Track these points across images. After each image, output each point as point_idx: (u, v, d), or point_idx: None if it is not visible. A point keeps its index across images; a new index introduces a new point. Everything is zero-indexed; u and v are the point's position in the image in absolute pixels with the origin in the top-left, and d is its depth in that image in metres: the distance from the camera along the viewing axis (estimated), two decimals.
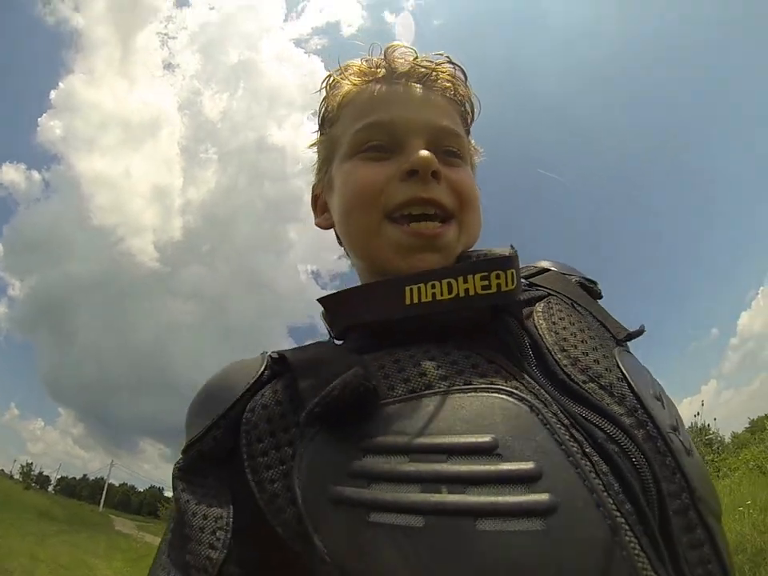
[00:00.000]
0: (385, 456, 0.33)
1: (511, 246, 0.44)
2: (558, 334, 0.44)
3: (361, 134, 0.51)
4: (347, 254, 0.59)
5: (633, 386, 0.40)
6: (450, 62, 0.56)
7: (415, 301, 0.42)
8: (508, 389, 0.36)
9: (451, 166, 0.51)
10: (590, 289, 0.57)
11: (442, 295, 0.41)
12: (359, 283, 0.56)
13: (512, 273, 0.42)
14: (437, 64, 0.55)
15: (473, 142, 0.60)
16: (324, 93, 0.59)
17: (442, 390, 0.36)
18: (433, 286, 0.42)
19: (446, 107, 0.54)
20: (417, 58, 0.54)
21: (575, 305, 0.50)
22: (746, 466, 7.50)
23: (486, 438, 0.32)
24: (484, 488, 0.30)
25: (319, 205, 0.61)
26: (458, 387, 0.36)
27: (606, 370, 0.41)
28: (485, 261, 0.43)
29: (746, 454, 8.13)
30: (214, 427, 0.41)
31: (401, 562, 0.29)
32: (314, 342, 0.52)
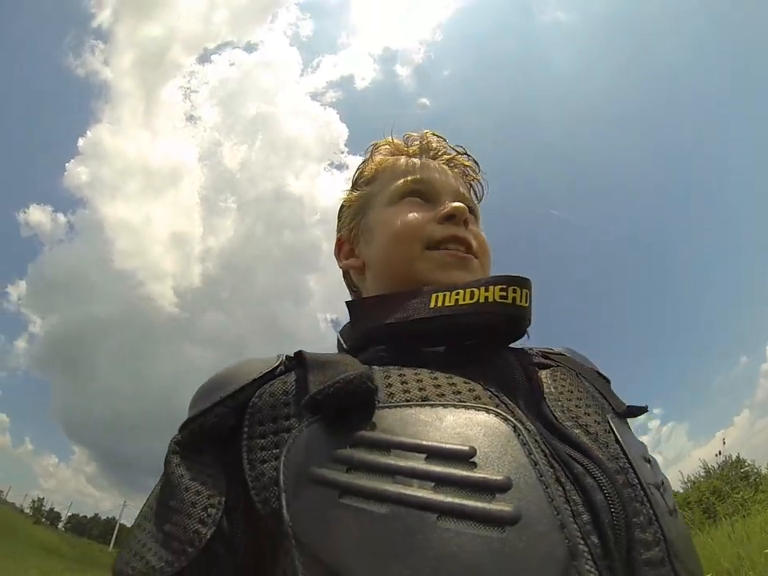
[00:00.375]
0: (369, 449, 0.35)
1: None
2: (556, 389, 0.46)
3: (404, 186, 0.63)
4: (353, 287, 0.69)
5: (619, 439, 0.41)
6: (467, 153, 0.71)
7: (439, 305, 0.48)
8: (496, 409, 0.38)
9: (472, 224, 0.62)
10: (601, 375, 0.59)
11: (464, 300, 0.47)
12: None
13: (527, 292, 0.48)
14: (459, 153, 0.70)
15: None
16: (364, 158, 0.72)
17: (436, 403, 0.38)
18: (457, 294, 0.48)
19: (465, 186, 0.67)
20: (444, 142, 0.69)
21: (580, 376, 0.52)
22: None
23: (465, 447, 0.34)
24: (453, 489, 0.31)
25: (343, 251, 0.69)
26: (452, 403, 0.38)
27: (596, 423, 0.43)
28: (505, 276, 0.48)
29: None
30: (220, 404, 0.43)
31: (359, 542, 0.30)
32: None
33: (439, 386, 0.41)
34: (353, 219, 0.68)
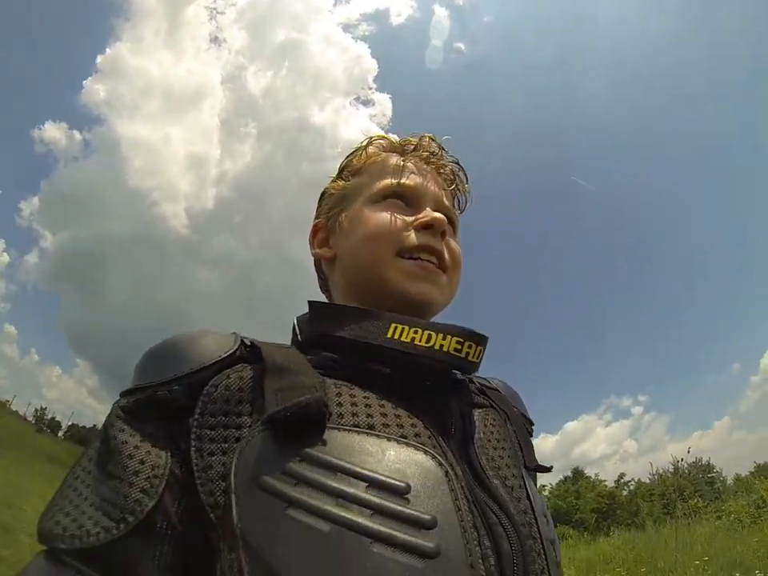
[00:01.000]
0: (317, 467, 0.37)
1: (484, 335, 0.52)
2: (485, 434, 0.51)
3: (389, 187, 0.62)
4: (324, 286, 0.69)
5: (530, 495, 0.48)
6: (458, 163, 0.69)
7: (395, 337, 0.49)
8: (432, 452, 0.42)
9: (450, 235, 0.62)
10: (527, 421, 0.65)
11: (419, 341, 0.48)
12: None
13: (480, 350, 0.50)
14: (452, 161, 0.68)
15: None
16: (355, 148, 0.70)
17: (381, 434, 0.42)
18: (415, 332, 0.48)
19: (449, 194, 0.66)
20: (438, 147, 0.67)
21: (507, 421, 0.57)
22: (727, 517, 7.39)
23: (402, 483, 0.38)
24: (387, 520, 0.35)
25: (318, 238, 0.68)
26: (395, 437, 0.42)
27: (513, 476, 0.48)
28: (464, 329, 0.49)
29: (732, 505, 7.99)
30: (175, 381, 0.43)
31: (303, 553, 0.34)
32: (279, 343, 0.54)
33: (385, 415, 0.44)
34: (332, 208, 0.67)
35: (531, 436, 0.64)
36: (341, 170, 0.70)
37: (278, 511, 0.35)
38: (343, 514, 0.35)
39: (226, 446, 0.40)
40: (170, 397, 0.43)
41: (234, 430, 0.41)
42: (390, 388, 0.48)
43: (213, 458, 0.40)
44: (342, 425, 0.41)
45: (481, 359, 0.51)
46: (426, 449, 0.42)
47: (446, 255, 0.59)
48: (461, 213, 0.70)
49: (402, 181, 0.62)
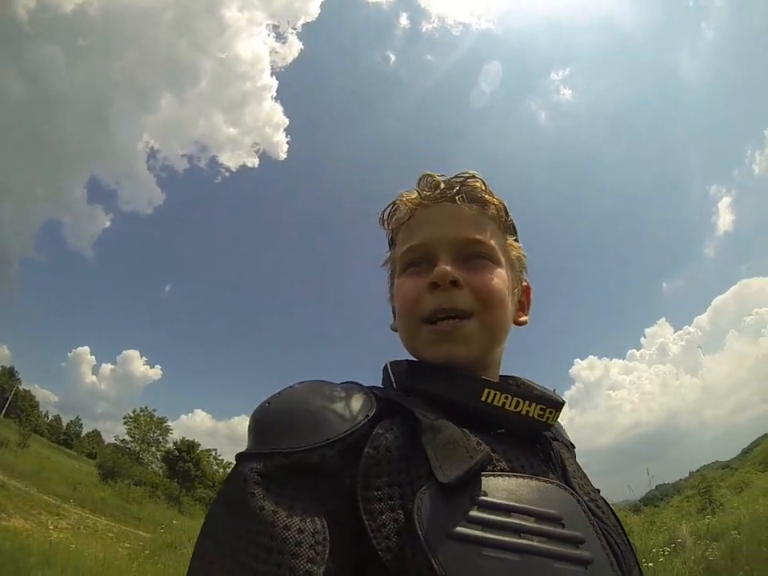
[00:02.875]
0: (492, 511, 0.43)
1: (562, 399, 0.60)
2: (571, 467, 0.60)
3: (404, 255, 0.67)
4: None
5: (615, 513, 0.58)
6: (474, 176, 0.68)
7: (489, 401, 0.55)
8: (562, 484, 0.51)
9: (476, 270, 0.62)
10: (572, 445, 0.73)
11: (509, 406, 0.55)
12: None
13: (557, 414, 0.57)
14: (462, 179, 0.67)
15: (514, 239, 0.71)
16: (385, 222, 0.74)
17: (524, 475, 0.49)
18: (506, 398, 0.55)
19: (471, 218, 0.65)
20: (445, 180, 0.67)
21: (569, 451, 0.67)
22: None
23: (555, 512, 0.46)
24: (555, 542, 0.43)
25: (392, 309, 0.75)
26: (532, 476, 0.49)
27: (598, 499, 0.59)
28: (548, 398, 0.57)
29: None
30: (328, 446, 0.45)
31: None
32: (379, 386, 0.61)
33: (518, 458, 0.52)
34: (390, 283, 0.74)
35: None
36: (389, 244, 0.75)
37: (475, 553, 0.40)
38: (527, 543, 0.42)
39: (392, 503, 0.44)
40: (322, 462, 0.44)
41: (397, 488, 0.45)
42: (502, 441, 0.54)
43: (383, 517, 0.43)
44: (494, 471, 0.48)
45: (555, 420, 0.58)
46: (554, 481, 0.50)
47: (464, 303, 0.60)
48: (504, 222, 0.69)
49: (414, 243, 0.65)
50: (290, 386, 0.52)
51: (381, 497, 0.44)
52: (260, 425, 0.49)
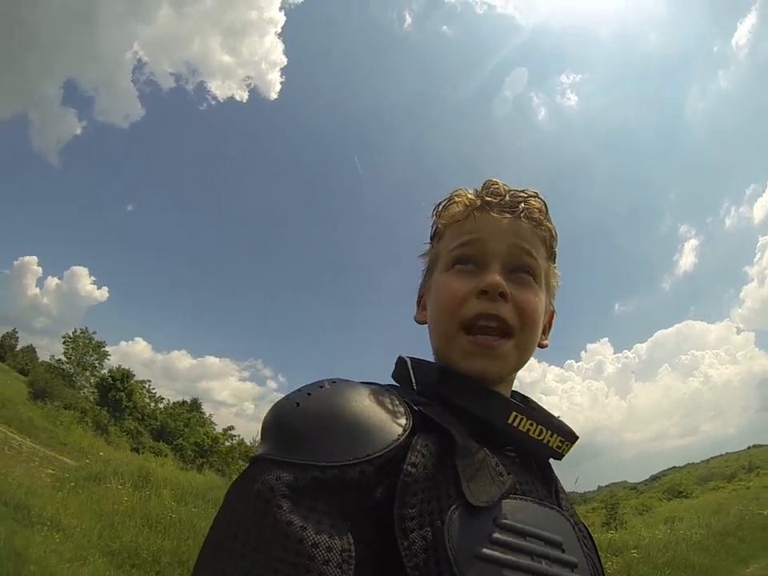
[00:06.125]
0: (511, 533, 0.46)
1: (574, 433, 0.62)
2: (561, 490, 0.63)
3: (454, 252, 0.65)
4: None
5: (593, 539, 0.63)
6: (537, 196, 0.67)
7: (515, 424, 0.56)
8: (560, 509, 0.54)
9: (521, 286, 0.62)
10: None
11: (533, 433, 0.57)
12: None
13: (571, 446, 0.61)
14: (526, 196, 0.67)
15: (554, 266, 0.72)
16: (436, 214, 0.72)
17: (532, 499, 0.52)
18: (531, 424, 0.57)
19: (527, 233, 0.65)
20: (510, 191, 0.67)
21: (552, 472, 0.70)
22: None
23: (559, 537, 0.49)
24: (558, 566, 0.47)
25: (423, 303, 0.73)
26: (538, 501, 0.52)
27: (580, 523, 0.61)
28: (568, 431, 0.60)
29: None
30: (367, 462, 0.43)
31: None
32: (401, 387, 0.61)
33: (527, 482, 0.55)
34: (425, 275, 0.73)
35: None
36: (431, 236, 0.73)
37: (497, 574, 0.43)
38: (537, 566, 0.45)
39: (422, 519, 0.44)
40: (360, 478, 0.43)
41: (426, 505, 0.45)
42: (511, 461, 0.57)
43: (413, 534, 0.43)
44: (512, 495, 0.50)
45: (568, 452, 0.62)
46: (554, 507, 0.54)
47: (509, 316, 0.60)
48: (551, 251, 0.70)
49: (467, 243, 0.64)
50: (319, 385, 0.49)
51: (413, 515, 0.43)
52: (290, 429, 0.45)
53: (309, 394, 0.48)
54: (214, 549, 0.40)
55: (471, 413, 0.56)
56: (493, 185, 0.68)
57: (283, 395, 0.50)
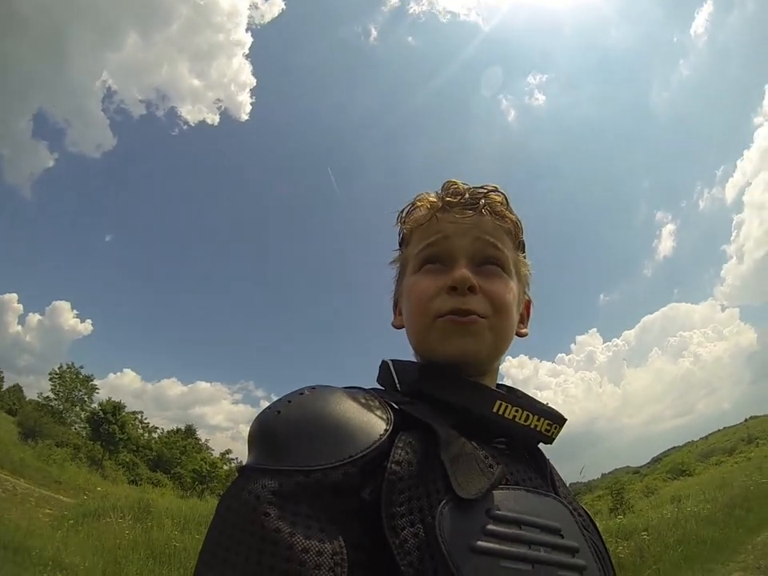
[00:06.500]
0: (505, 524, 0.45)
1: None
2: (557, 478, 0.64)
3: (422, 254, 0.67)
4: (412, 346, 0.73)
5: (596, 524, 0.62)
6: (497, 190, 0.69)
7: (500, 413, 0.57)
8: (557, 497, 0.54)
9: (489, 277, 0.64)
10: None
11: (519, 419, 0.57)
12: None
13: (560, 429, 0.61)
14: (486, 191, 0.68)
15: (523, 255, 0.73)
16: (401, 220, 0.73)
17: (526, 488, 0.52)
18: (516, 410, 0.57)
19: (490, 227, 0.66)
20: (470, 189, 0.68)
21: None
22: None
23: (556, 524, 0.49)
24: (557, 552, 0.47)
25: (398, 308, 0.74)
26: (533, 489, 0.52)
27: (580, 508, 0.61)
28: (555, 414, 0.61)
29: None
30: (350, 464, 0.43)
31: None
32: (380, 389, 0.60)
33: (519, 471, 0.54)
34: (397, 281, 0.75)
35: None
36: (400, 243, 0.75)
37: (494, 565, 0.42)
38: (536, 554, 0.45)
39: (412, 517, 0.43)
40: (344, 480, 0.43)
41: (416, 502, 0.44)
42: (501, 452, 0.56)
43: (404, 532, 0.42)
44: (502, 485, 0.49)
45: (557, 435, 0.62)
46: (553, 495, 0.54)
47: (480, 308, 0.61)
48: (517, 241, 0.71)
49: (433, 243, 0.66)
50: (299, 392, 0.50)
51: (402, 512, 0.43)
52: (272, 436, 0.45)
53: (289, 402, 0.48)
54: (206, 561, 0.40)
55: (455, 405, 0.57)
56: (452, 185, 0.69)
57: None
